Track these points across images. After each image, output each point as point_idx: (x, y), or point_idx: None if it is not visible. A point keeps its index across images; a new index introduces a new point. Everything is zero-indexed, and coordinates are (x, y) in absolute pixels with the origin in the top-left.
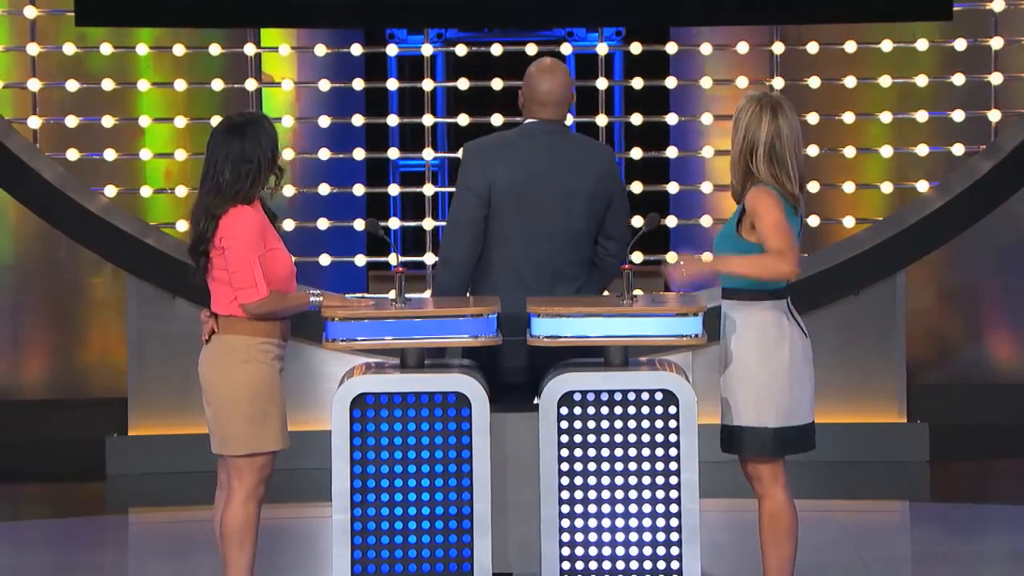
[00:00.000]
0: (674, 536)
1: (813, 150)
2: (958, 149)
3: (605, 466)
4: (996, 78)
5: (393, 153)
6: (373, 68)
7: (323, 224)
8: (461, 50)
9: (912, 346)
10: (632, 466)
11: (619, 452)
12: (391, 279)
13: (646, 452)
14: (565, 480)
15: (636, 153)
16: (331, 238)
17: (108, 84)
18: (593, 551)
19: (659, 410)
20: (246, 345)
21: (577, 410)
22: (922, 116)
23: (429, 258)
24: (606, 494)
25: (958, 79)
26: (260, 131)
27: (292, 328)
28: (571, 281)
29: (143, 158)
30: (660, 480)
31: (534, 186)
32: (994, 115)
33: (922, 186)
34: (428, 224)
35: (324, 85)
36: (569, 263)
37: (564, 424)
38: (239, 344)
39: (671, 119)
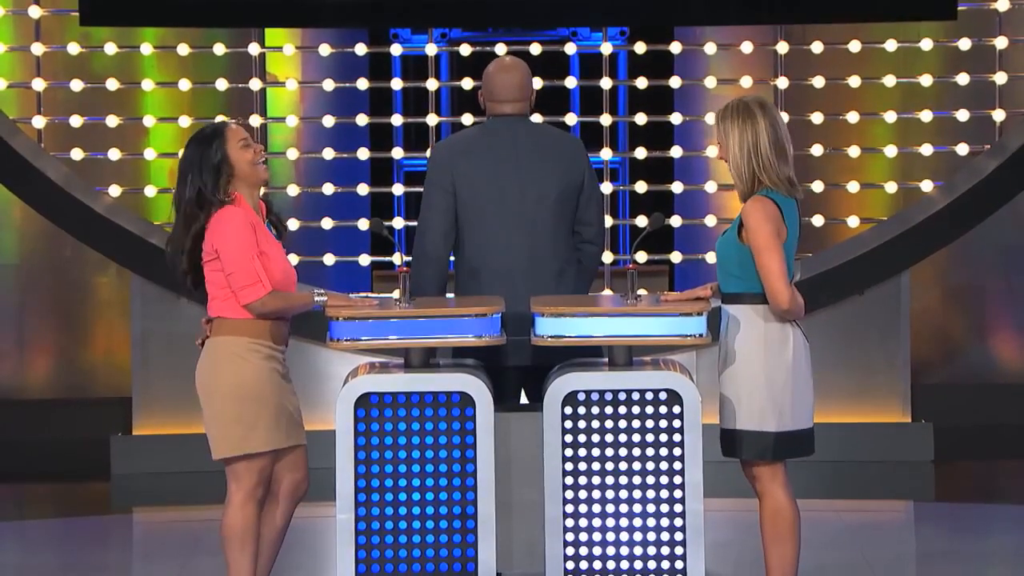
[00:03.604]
0: (678, 536)
1: (817, 149)
2: (962, 149)
3: (609, 466)
4: (1000, 77)
5: (397, 153)
6: (377, 68)
7: (327, 224)
8: (465, 50)
9: (917, 346)
10: (636, 466)
11: (623, 452)
12: (395, 279)
13: (650, 452)
14: (569, 480)
15: (640, 153)
16: (335, 238)
17: (112, 84)
18: (597, 551)
19: (663, 410)
20: (233, 344)
21: (581, 410)
22: (926, 116)
23: None
24: (610, 494)
25: (962, 79)
26: (190, 143)
27: (296, 328)
28: (546, 271)
29: (147, 158)
30: (664, 480)
31: (500, 181)
32: (999, 115)
33: (926, 186)
34: None
35: (328, 85)
36: (544, 255)
37: (568, 424)
38: (226, 344)
39: (675, 119)
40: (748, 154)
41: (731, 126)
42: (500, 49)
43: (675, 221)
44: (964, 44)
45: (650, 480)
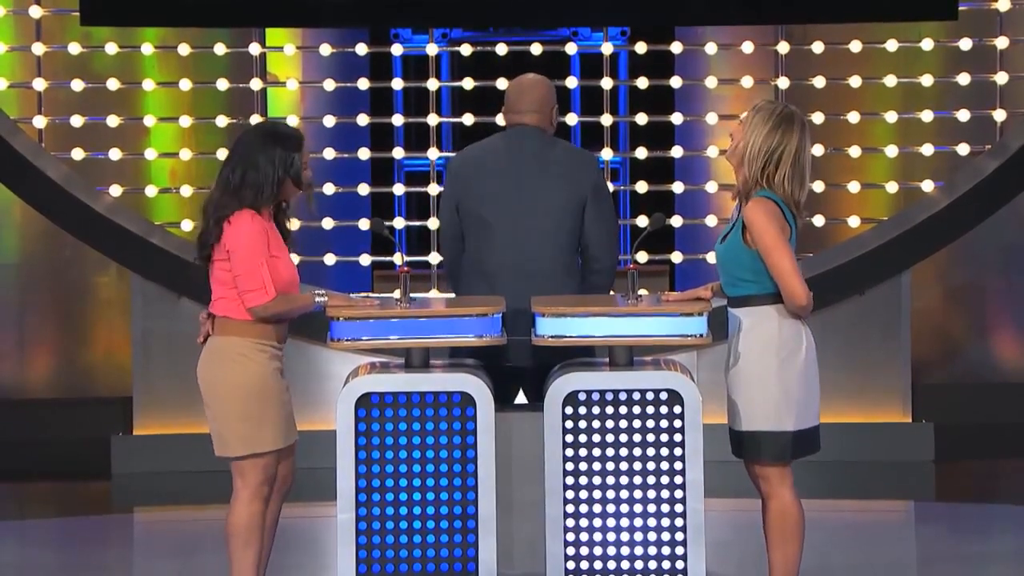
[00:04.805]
0: (679, 536)
1: (818, 150)
2: (963, 149)
3: (610, 466)
4: (1001, 78)
5: (398, 153)
6: (378, 68)
7: (328, 224)
8: (466, 50)
9: (917, 345)
10: (637, 466)
11: (624, 452)
12: (396, 278)
13: (651, 452)
14: (570, 480)
15: (641, 153)
16: (336, 238)
17: (113, 83)
18: (598, 551)
19: (664, 410)
20: (239, 345)
21: (582, 409)
22: (927, 116)
23: (434, 257)
24: (611, 494)
25: (963, 79)
26: (281, 146)
27: (296, 328)
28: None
29: (148, 157)
30: (665, 480)
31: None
32: (999, 115)
33: (927, 186)
34: (433, 223)
35: (329, 85)
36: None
37: (569, 424)
38: (232, 345)
39: (676, 119)
40: (763, 155)
41: (764, 121)
42: (501, 49)
43: (676, 221)
44: (965, 44)
45: (651, 480)
